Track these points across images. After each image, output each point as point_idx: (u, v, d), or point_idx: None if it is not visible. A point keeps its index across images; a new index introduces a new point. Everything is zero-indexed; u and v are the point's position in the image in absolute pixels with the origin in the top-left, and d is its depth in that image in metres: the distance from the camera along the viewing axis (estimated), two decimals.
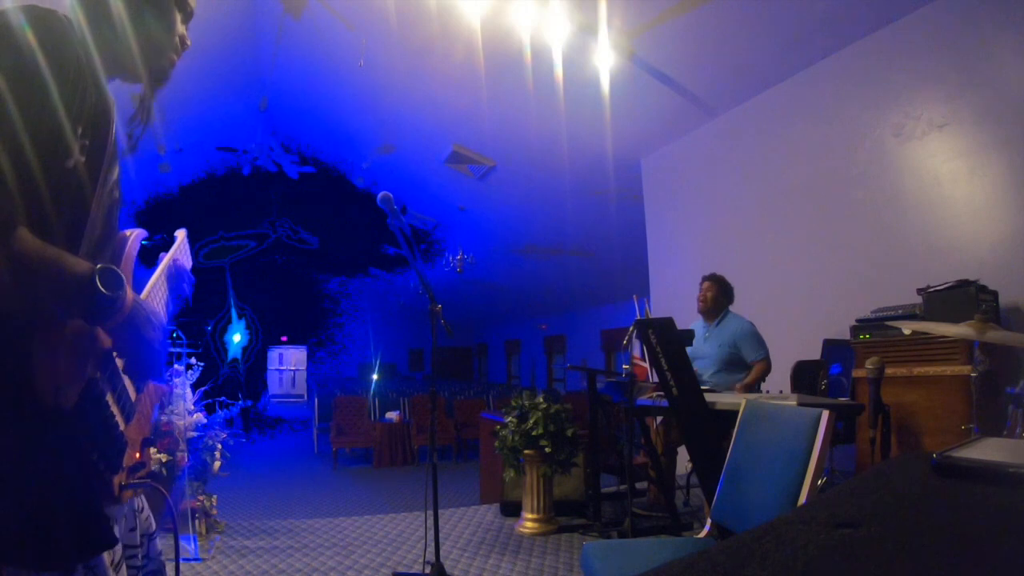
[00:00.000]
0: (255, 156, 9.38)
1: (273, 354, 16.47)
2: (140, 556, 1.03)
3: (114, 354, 0.91)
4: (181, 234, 1.25)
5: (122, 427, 0.90)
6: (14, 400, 0.73)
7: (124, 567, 0.96)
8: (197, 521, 3.37)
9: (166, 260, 1.15)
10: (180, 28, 1.01)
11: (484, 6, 4.49)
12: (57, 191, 0.77)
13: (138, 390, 0.99)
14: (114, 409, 0.89)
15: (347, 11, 5.26)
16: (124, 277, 0.83)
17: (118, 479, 0.89)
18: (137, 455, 0.96)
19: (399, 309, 17.05)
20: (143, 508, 1.08)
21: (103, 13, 0.90)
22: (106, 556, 0.85)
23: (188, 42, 1.03)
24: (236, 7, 5.54)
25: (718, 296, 3.65)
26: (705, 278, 3.74)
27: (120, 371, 0.93)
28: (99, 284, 0.78)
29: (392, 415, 8.16)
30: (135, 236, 1.02)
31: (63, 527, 0.75)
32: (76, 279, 0.77)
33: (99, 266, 0.79)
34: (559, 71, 4.90)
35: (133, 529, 1.04)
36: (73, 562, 0.77)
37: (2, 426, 0.73)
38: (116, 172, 0.92)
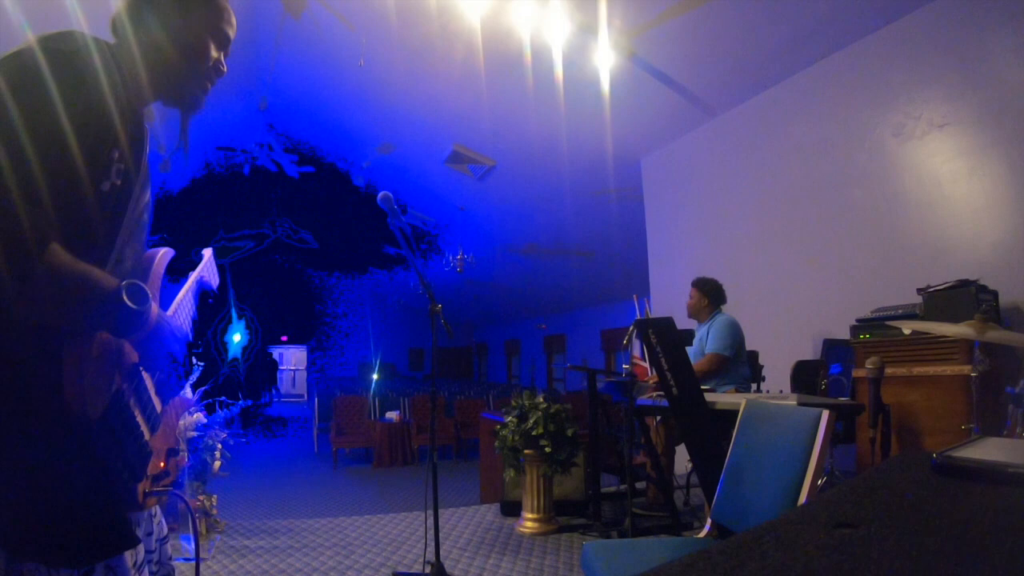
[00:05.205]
0: (255, 156, 9.39)
1: (273, 354, 16.47)
2: (154, 561, 1.07)
3: (141, 368, 0.95)
4: (208, 253, 1.28)
5: (147, 437, 0.94)
6: (43, 408, 0.77)
7: (147, 570, 1.00)
8: (197, 521, 3.37)
9: (192, 277, 1.19)
10: (215, 54, 1.01)
11: (484, 6, 4.49)
12: (92, 211, 0.81)
13: (164, 402, 1.03)
14: (140, 420, 0.92)
15: (347, 11, 5.26)
16: (150, 292, 0.86)
17: (142, 486, 0.93)
18: (162, 464, 0.99)
19: (399, 309, 17.05)
20: (157, 513, 1.12)
21: (145, 42, 0.94)
22: (128, 557, 0.88)
23: (224, 68, 1.03)
24: (236, 7, 5.50)
25: (701, 300, 3.66)
26: (692, 284, 3.75)
27: (146, 384, 0.96)
28: (126, 298, 0.81)
29: (392, 415, 8.15)
30: (163, 254, 1.06)
31: (80, 528, 0.80)
32: (104, 293, 0.80)
33: (126, 282, 0.83)
34: (559, 71, 4.90)
35: (150, 534, 1.07)
36: (91, 561, 0.81)
37: (30, 432, 0.76)
38: (147, 196, 0.96)
